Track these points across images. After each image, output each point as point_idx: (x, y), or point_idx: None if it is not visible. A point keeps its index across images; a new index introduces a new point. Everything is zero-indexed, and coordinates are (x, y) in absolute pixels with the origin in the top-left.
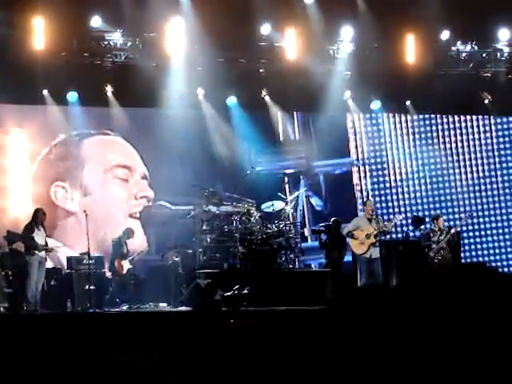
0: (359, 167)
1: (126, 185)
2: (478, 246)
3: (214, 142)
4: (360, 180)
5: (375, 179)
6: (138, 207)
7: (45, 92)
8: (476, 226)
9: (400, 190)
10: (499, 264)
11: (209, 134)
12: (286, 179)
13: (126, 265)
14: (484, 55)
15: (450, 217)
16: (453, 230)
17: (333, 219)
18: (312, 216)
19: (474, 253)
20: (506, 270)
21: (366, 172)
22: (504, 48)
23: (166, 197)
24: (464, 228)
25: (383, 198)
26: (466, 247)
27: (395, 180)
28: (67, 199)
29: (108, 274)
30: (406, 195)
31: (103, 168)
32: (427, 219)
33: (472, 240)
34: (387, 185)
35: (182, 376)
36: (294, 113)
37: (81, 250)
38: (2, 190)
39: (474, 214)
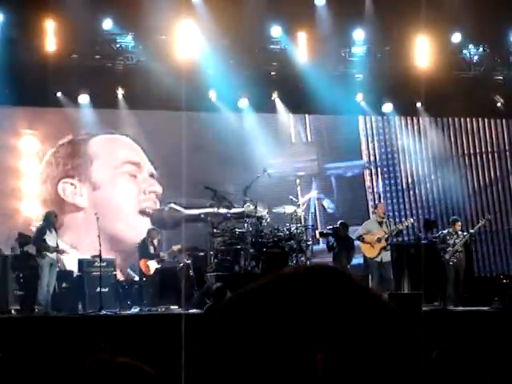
0: (371, 170)
1: (135, 180)
2: (491, 249)
3: (225, 144)
4: (372, 182)
5: (387, 182)
6: (147, 202)
7: (59, 94)
8: (488, 229)
9: (412, 192)
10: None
11: (220, 137)
12: (298, 181)
13: (154, 265)
14: (496, 58)
15: (462, 219)
16: (471, 232)
17: (340, 222)
18: (324, 219)
19: (486, 255)
20: None
21: (378, 174)
22: None
23: (177, 199)
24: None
25: (395, 201)
26: (479, 250)
27: (407, 183)
28: (76, 194)
29: (119, 277)
30: (418, 198)
31: (112, 164)
32: (446, 222)
33: (484, 243)
34: (399, 187)
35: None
36: (306, 115)
37: (89, 249)
38: (15, 192)
39: (490, 217)
